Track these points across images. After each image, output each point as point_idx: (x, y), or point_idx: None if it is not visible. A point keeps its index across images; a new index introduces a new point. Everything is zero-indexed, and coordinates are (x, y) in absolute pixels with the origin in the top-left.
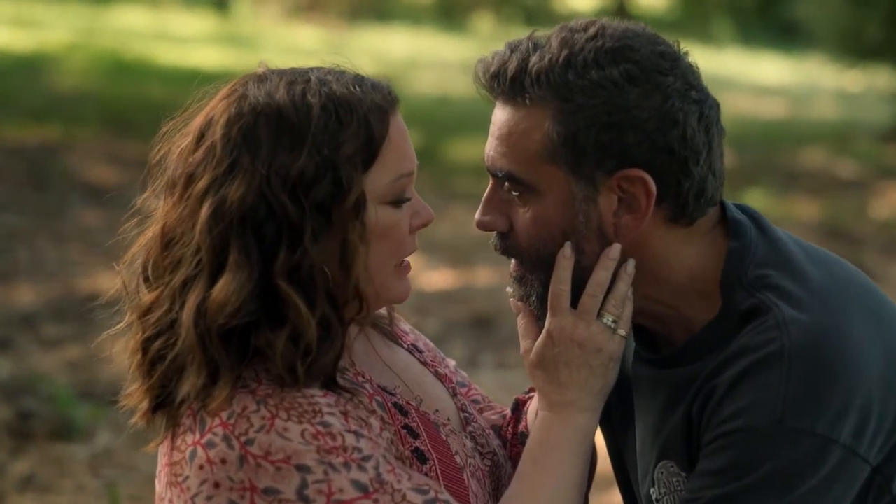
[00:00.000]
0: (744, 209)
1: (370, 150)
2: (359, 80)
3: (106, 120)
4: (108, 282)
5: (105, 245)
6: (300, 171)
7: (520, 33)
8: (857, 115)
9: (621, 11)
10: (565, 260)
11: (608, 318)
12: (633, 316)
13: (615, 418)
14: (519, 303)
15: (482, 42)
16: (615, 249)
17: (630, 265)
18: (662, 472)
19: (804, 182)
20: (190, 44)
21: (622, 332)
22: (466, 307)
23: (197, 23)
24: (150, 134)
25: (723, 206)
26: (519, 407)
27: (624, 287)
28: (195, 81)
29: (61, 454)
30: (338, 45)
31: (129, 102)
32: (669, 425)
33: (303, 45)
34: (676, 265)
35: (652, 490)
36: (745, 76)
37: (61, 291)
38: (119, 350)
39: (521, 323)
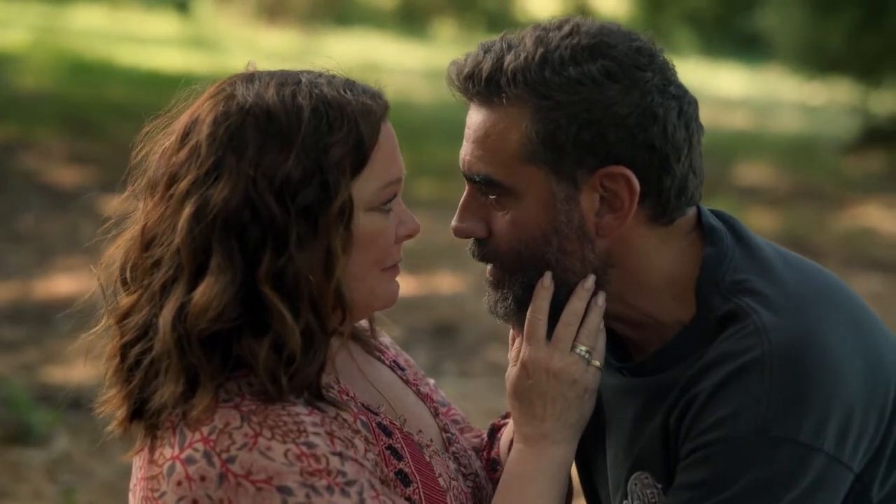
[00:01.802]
0: (720, 215)
1: (360, 155)
2: (349, 84)
3: (65, 120)
4: (67, 284)
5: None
6: (288, 174)
7: (481, 39)
8: (818, 127)
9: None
10: (544, 290)
11: (582, 349)
12: (607, 320)
13: (585, 429)
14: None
15: (444, 47)
16: (590, 280)
17: (601, 298)
18: (636, 484)
19: (764, 194)
20: (150, 45)
21: (597, 363)
22: (429, 315)
23: (158, 24)
24: (109, 135)
25: (699, 211)
26: (494, 432)
27: (597, 318)
28: (157, 83)
29: (18, 459)
30: (300, 49)
31: (89, 103)
32: (644, 435)
33: (265, 49)
34: (655, 267)
35: (625, 502)
36: (706, 87)
37: (18, 294)
38: (78, 353)
39: (514, 349)
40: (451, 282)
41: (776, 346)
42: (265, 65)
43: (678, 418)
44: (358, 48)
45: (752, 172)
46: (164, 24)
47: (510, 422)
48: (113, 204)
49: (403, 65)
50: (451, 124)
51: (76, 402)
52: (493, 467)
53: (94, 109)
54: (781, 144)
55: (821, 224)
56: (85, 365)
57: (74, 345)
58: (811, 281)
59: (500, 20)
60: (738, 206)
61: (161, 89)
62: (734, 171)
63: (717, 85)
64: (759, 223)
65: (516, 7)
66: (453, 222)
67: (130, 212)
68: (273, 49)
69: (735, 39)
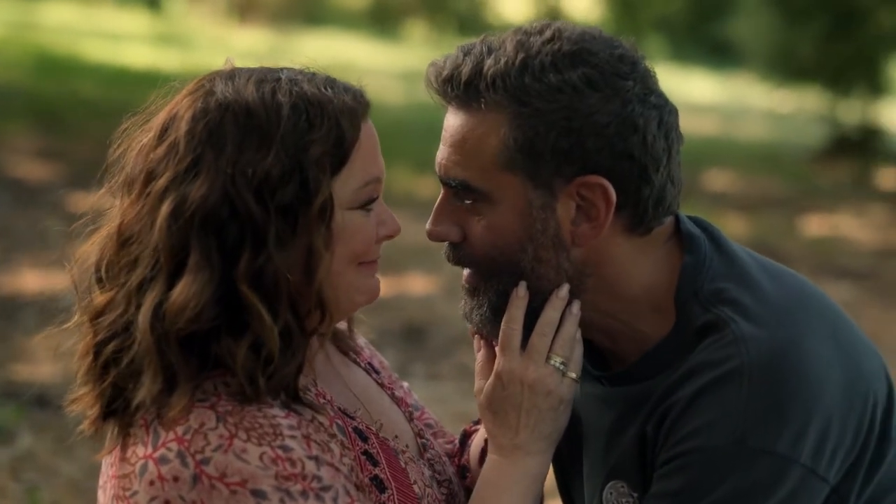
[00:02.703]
0: (698, 222)
1: (340, 153)
2: (330, 81)
3: (33, 115)
4: (33, 281)
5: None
6: (267, 171)
7: (452, 41)
8: (787, 135)
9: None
10: (518, 300)
11: (556, 360)
12: (584, 330)
13: (562, 438)
14: (477, 339)
15: (415, 48)
16: (564, 289)
17: (575, 306)
18: (612, 493)
19: (733, 200)
20: (121, 41)
21: (573, 374)
22: (398, 316)
23: (129, 20)
24: (77, 131)
25: (677, 218)
26: (466, 438)
27: (571, 328)
28: (126, 79)
29: None
30: (271, 48)
31: (58, 98)
32: (620, 444)
33: (236, 47)
34: (632, 276)
35: None
36: (676, 93)
37: None
38: (43, 350)
39: (479, 359)
40: (422, 283)
41: (755, 356)
42: (237, 63)
43: (655, 426)
44: (329, 48)
45: (721, 179)
46: (135, 20)
47: (481, 428)
48: (82, 200)
49: (375, 65)
50: (423, 125)
51: (41, 400)
52: (463, 474)
53: (63, 105)
54: (750, 151)
55: (790, 231)
56: (51, 362)
57: (40, 341)
58: (789, 290)
59: (471, 22)
60: (708, 213)
61: (131, 86)
62: (703, 177)
63: (688, 91)
64: (728, 230)
65: (488, 10)
66: (427, 225)
67: (105, 209)
68: (244, 48)
69: (705, 46)
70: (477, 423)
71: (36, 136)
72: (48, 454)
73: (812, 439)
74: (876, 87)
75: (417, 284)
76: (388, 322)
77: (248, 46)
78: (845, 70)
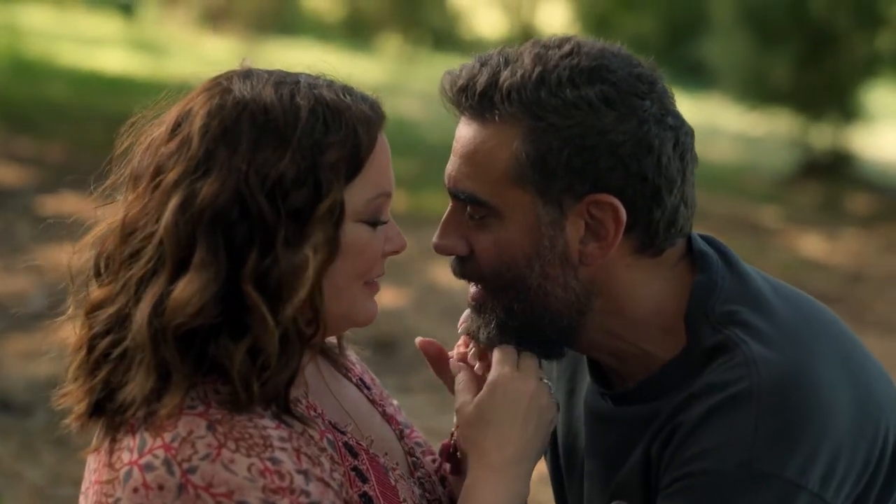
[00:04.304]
0: (711, 241)
1: (355, 160)
2: (348, 89)
3: (5, 118)
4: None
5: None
6: (281, 173)
7: (426, 55)
8: (758, 158)
9: (526, 39)
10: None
11: (544, 378)
12: (592, 351)
13: (562, 455)
14: (458, 362)
15: (388, 62)
16: None
17: None
18: None
19: (703, 221)
20: (94, 46)
21: (553, 394)
22: (368, 329)
23: (102, 25)
24: (48, 133)
25: (689, 238)
26: (444, 452)
27: None
28: (98, 83)
29: None
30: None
31: (29, 101)
32: (624, 464)
33: (210, 55)
34: (641, 298)
35: None
36: None
37: None
38: (5, 355)
39: (461, 378)
40: (392, 297)
41: (765, 379)
42: (208, 72)
43: (661, 447)
44: (302, 58)
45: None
46: (108, 25)
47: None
48: (52, 203)
49: (348, 77)
50: (395, 138)
51: (5, 405)
52: (442, 484)
53: (34, 108)
54: (721, 173)
55: (759, 254)
56: (15, 366)
57: (6, 346)
58: (802, 313)
59: (445, 38)
60: None
61: (103, 90)
62: None
63: None
64: None
65: (462, 25)
66: (434, 239)
67: (95, 208)
68: (216, 56)
69: (678, 67)
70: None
71: (7, 138)
72: (12, 459)
73: (821, 465)
74: (847, 113)
75: (387, 297)
76: (357, 335)
77: (220, 54)
78: (817, 95)
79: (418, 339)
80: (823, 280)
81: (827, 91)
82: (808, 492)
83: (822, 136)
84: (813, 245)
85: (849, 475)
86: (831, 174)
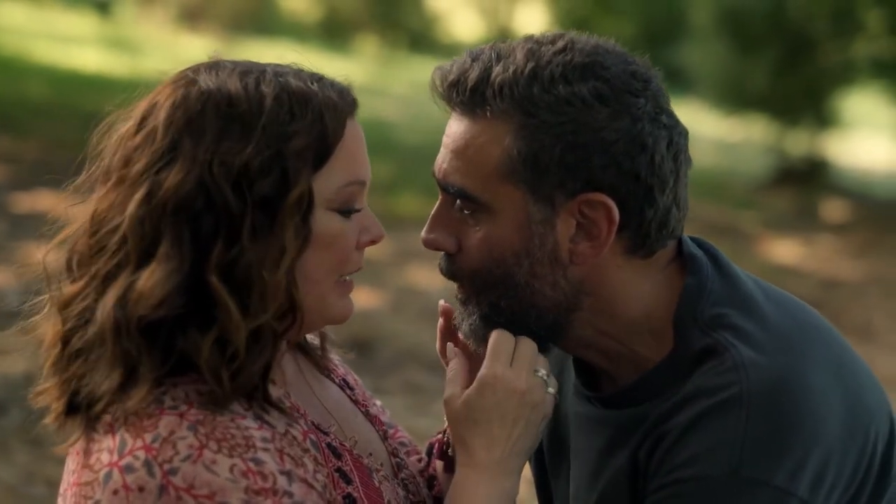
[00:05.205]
0: (701, 244)
1: (323, 148)
2: (317, 77)
3: None
4: None
5: None
6: (246, 161)
7: (403, 57)
8: (734, 163)
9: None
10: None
11: (542, 372)
12: (580, 350)
13: (547, 456)
14: (454, 347)
15: (365, 63)
16: None
17: None
18: None
19: None
20: (70, 44)
21: (552, 389)
22: (344, 330)
23: (78, 23)
24: (25, 131)
25: (680, 240)
26: (431, 450)
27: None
28: (74, 82)
29: None
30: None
31: (5, 99)
32: (611, 468)
33: (186, 54)
34: (631, 299)
35: None
36: None
37: None
38: None
39: (453, 366)
40: (368, 297)
41: (755, 384)
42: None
43: (648, 452)
44: (279, 59)
45: None
46: (84, 23)
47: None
48: (28, 201)
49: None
50: (371, 140)
51: None
52: (430, 484)
53: (9, 105)
54: (698, 178)
55: (735, 259)
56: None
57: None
58: (793, 317)
59: (422, 40)
60: None
61: (79, 88)
62: None
63: None
64: None
65: (439, 27)
66: (423, 233)
67: (77, 203)
68: (193, 55)
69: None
70: (442, 432)
71: None
72: None
73: (810, 472)
74: (823, 120)
75: (363, 298)
76: (333, 336)
77: (196, 54)
78: (794, 102)
79: (442, 302)
80: (799, 286)
81: (803, 97)
82: (798, 499)
83: (798, 142)
84: (788, 251)
85: (838, 482)
86: (807, 181)
